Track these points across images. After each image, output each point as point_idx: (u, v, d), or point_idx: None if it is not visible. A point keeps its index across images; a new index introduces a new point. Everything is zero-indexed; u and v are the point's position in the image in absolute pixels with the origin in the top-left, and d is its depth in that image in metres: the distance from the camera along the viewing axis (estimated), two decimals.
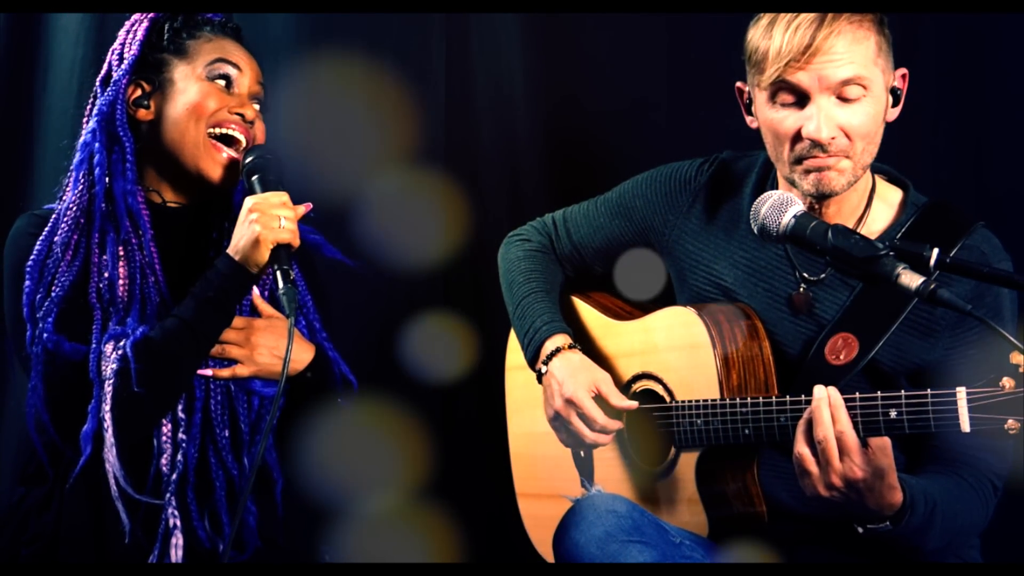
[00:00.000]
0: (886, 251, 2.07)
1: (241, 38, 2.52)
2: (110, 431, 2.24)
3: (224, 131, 2.41)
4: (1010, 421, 1.97)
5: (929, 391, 2.06)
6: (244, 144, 2.42)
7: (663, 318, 2.49)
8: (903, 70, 2.35)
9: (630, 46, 3.18)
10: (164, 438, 2.32)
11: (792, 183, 2.32)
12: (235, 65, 2.45)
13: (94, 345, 2.29)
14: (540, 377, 2.54)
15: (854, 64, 2.23)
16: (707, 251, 2.48)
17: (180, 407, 2.35)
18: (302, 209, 2.33)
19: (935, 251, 2.06)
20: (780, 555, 2.37)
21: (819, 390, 2.11)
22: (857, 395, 2.13)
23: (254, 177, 2.35)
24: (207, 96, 2.41)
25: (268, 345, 2.39)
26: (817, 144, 2.25)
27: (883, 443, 2.07)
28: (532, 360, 2.57)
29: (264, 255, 2.27)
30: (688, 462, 2.39)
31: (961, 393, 2.02)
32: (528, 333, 2.58)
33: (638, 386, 2.51)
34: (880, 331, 2.28)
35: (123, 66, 2.43)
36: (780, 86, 2.26)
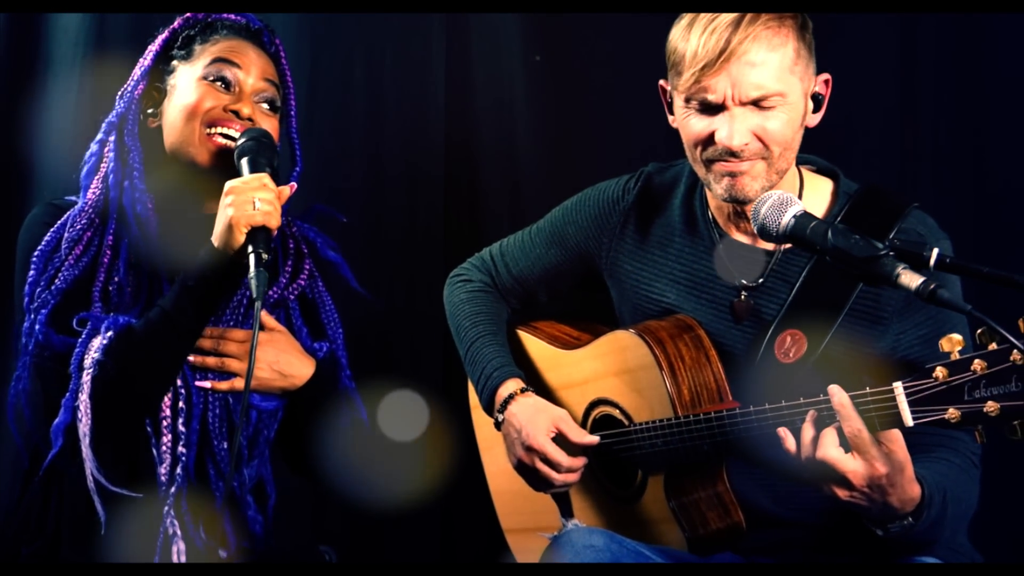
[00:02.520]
0: (886, 251, 2.07)
1: (261, 40, 2.50)
2: (84, 421, 2.23)
3: (220, 130, 2.38)
4: (950, 410, 1.96)
5: (868, 388, 2.04)
6: None
7: (608, 343, 2.47)
8: (826, 75, 2.31)
9: (630, 46, 3.18)
10: (164, 448, 2.32)
11: (708, 186, 2.31)
12: (234, 64, 2.42)
13: (83, 338, 2.28)
14: (499, 425, 2.52)
15: (768, 75, 2.20)
16: (646, 270, 2.47)
17: (181, 420, 2.34)
18: (287, 191, 2.29)
19: (935, 251, 2.05)
20: (768, 559, 2.37)
21: (835, 388, 2.07)
22: (801, 399, 2.13)
23: (243, 160, 2.32)
24: (203, 96, 2.39)
25: (268, 360, 2.39)
26: (729, 151, 2.24)
27: (895, 435, 2.04)
28: (487, 407, 2.54)
29: (238, 238, 2.22)
30: (656, 482, 2.38)
31: (898, 388, 2.01)
32: (480, 380, 2.56)
33: (596, 412, 2.49)
34: (826, 325, 2.27)
35: (134, 78, 2.44)
36: (695, 92, 2.24)
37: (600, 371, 2.48)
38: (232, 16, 2.49)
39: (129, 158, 2.40)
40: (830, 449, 2.05)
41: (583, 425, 2.50)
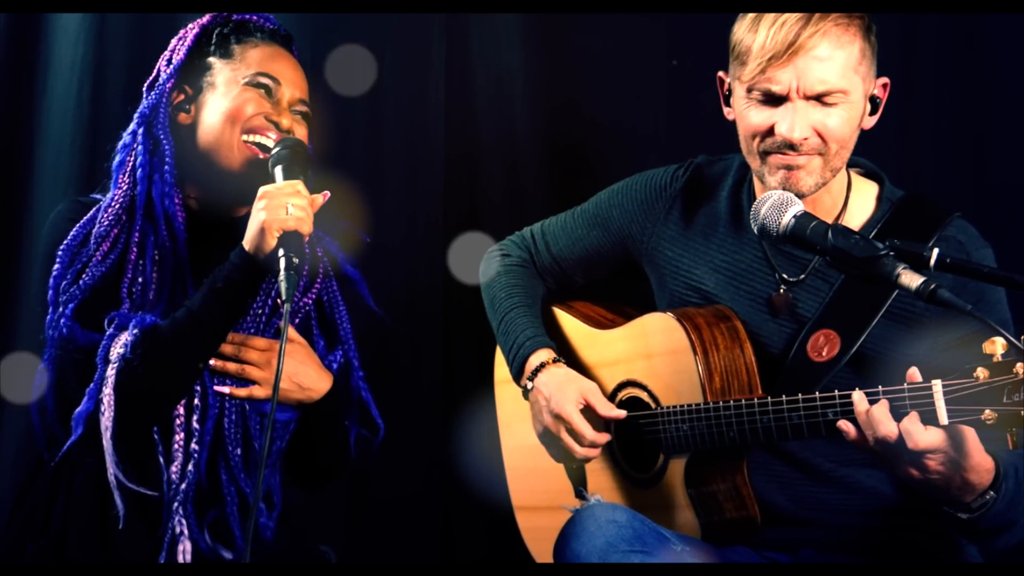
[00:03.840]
0: (886, 251, 2.07)
1: (291, 47, 2.51)
2: (107, 415, 2.24)
3: (258, 139, 2.39)
4: (987, 411, 1.96)
5: (906, 384, 2.05)
6: None
7: (644, 325, 2.49)
8: (884, 79, 2.34)
9: (630, 45, 3.18)
10: (176, 446, 2.32)
11: (762, 179, 2.32)
12: (275, 79, 2.43)
13: (109, 332, 2.29)
14: (526, 393, 2.54)
15: (834, 71, 2.23)
16: (687, 256, 2.48)
17: (195, 417, 2.34)
18: (319, 199, 2.31)
19: (935, 251, 2.06)
20: (781, 556, 2.38)
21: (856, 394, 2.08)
22: (836, 393, 2.14)
23: (277, 168, 2.33)
24: (245, 101, 2.40)
25: (288, 371, 2.39)
26: (789, 144, 2.25)
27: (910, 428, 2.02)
28: (517, 375, 2.56)
29: (270, 242, 2.22)
30: (677, 468, 2.39)
31: (937, 385, 2.01)
32: (512, 349, 2.57)
33: (623, 394, 2.51)
34: (861, 326, 2.28)
35: (169, 69, 2.44)
36: (759, 82, 2.26)
37: (632, 352, 2.50)
38: (259, 20, 2.50)
39: (160, 151, 2.41)
40: (913, 422, 2.02)
41: None
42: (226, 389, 2.37)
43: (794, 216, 2.19)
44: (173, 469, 2.31)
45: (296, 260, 2.20)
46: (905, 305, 2.28)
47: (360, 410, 2.52)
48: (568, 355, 2.61)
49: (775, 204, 2.21)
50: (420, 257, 3.27)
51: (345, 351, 2.51)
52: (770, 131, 2.27)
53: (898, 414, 2.04)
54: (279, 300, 2.41)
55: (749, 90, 2.28)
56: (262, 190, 2.27)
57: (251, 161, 2.38)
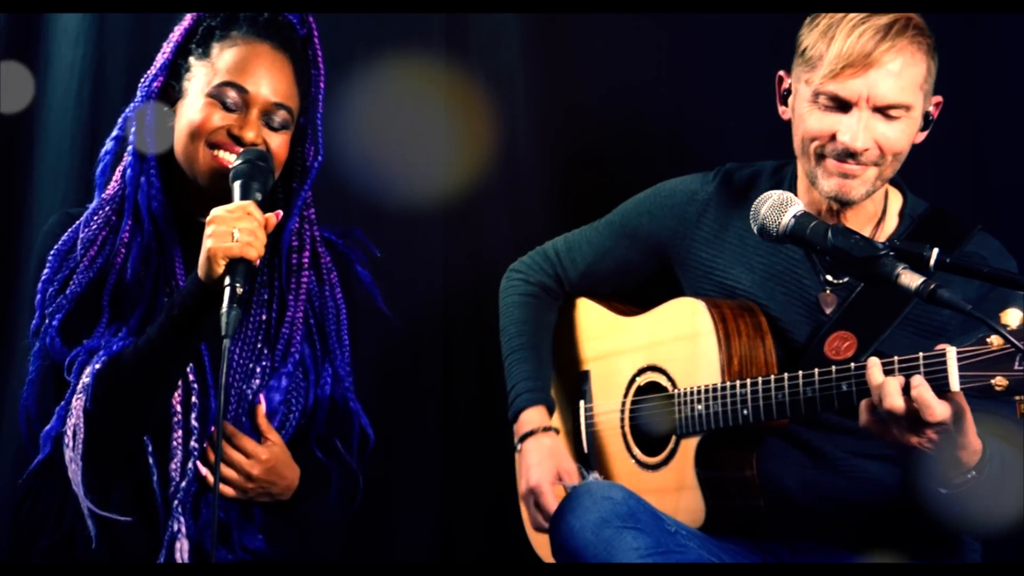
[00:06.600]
0: (886, 251, 2.08)
1: (284, 40, 2.41)
2: (71, 445, 2.23)
3: (222, 154, 2.32)
4: (997, 377, 1.99)
5: (921, 353, 2.07)
6: None
7: (669, 309, 2.52)
8: (938, 97, 2.39)
9: (630, 46, 3.18)
10: (175, 443, 2.31)
11: (813, 181, 2.35)
12: (241, 88, 2.34)
13: (80, 356, 2.27)
14: (515, 450, 2.62)
15: (903, 86, 2.28)
16: (721, 257, 2.50)
17: (193, 416, 2.32)
18: (272, 219, 2.22)
19: (935, 251, 2.07)
20: (779, 547, 2.38)
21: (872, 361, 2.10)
22: (852, 365, 2.15)
23: (236, 183, 2.25)
24: (207, 116, 2.33)
25: (261, 482, 2.36)
26: (850, 152, 2.28)
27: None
28: (511, 422, 2.64)
29: (216, 270, 2.14)
30: (688, 448, 2.41)
31: (951, 352, 2.03)
32: (510, 395, 2.65)
33: (642, 379, 2.54)
34: (878, 331, 2.31)
35: (153, 71, 2.40)
36: (830, 87, 2.29)
37: (655, 337, 2.53)
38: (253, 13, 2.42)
39: (147, 154, 2.37)
40: (924, 390, 2.03)
41: (626, 391, 2.56)
42: (204, 471, 2.32)
43: (794, 216, 2.20)
44: (173, 466, 2.31)
45: (241, 291, 2.11)
46: (931, 316, 2.31)
47: (347, 421, 2.49)
48: (591, 343, 2.67)
49: (775, 204, 2.22)
50: (419, 256, 3.27)
51: (331, 359, 2.48)
52: (832, 137, 2.30)
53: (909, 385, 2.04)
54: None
55: (816, 95, 2.31)
56: (212, 214, 2.20)
57: (217, 174, 2.32)
